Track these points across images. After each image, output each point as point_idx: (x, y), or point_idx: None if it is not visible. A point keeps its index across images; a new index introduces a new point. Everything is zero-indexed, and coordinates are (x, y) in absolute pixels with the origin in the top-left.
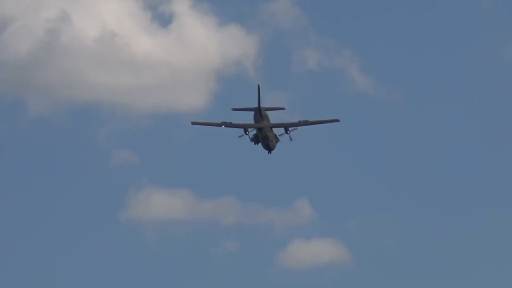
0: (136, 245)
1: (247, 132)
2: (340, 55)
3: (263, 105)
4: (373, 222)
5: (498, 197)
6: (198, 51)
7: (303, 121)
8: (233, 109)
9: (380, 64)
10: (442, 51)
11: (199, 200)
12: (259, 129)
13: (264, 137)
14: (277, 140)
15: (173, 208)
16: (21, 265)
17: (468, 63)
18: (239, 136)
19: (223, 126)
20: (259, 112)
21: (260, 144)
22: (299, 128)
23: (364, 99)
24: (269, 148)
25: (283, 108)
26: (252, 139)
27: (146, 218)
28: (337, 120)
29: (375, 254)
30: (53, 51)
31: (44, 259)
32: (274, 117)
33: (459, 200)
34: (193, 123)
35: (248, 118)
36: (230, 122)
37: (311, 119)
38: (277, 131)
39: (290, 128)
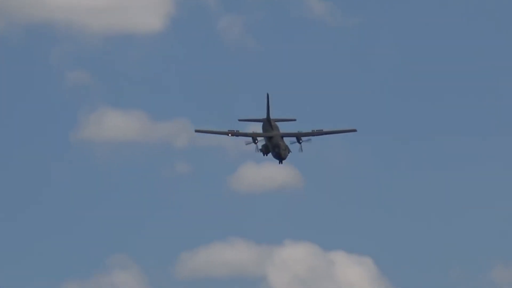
0: (88, 165)
1: (256, 141)
2: None
3: (273, 116)
4: (326, 144)
5: (463, 124)
6: None
7: (316, 130)
8: (240, 120)
9: None
10: None
11: (152, 121)
12: (269, 138)
13: (275, 145)
14: (288, 150)
15: (126, 129)
16: None
17: None
18: (247, 144)
19: (229, 135)
20: (268, 123)
21: (269, 155)
22: (313, 138)
23: (321, 25)
24: (280, 157)
25: (294, 120)
26: (261, 150)
27: (98, 139)
28: (354, 130)
29: (327, 178)
30: None
31: None
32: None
33: (413, 124)
34: (196, 131)
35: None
36: (237, 131)
37: (325, 129)
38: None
39: (303, 138)
